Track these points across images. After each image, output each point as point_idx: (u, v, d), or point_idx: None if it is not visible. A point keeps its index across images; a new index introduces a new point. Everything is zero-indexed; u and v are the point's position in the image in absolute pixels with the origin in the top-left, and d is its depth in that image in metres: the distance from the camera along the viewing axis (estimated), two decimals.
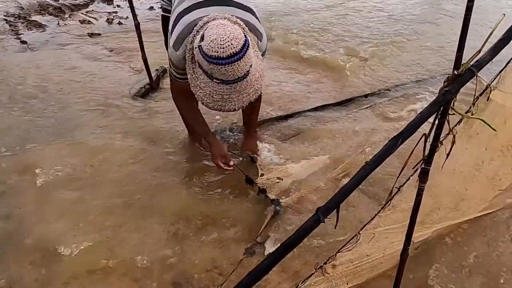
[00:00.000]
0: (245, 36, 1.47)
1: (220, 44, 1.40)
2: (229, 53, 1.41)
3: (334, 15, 4.20)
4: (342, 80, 3.10)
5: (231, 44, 1.41)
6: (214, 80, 1.48)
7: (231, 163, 1.92)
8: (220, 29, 1.42)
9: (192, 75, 1.57)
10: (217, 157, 1.92)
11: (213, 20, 1.54)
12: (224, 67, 1.42)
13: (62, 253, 1.71)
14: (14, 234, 1.81)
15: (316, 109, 2.73)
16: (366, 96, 2.90)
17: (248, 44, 1.47)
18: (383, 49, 3.54)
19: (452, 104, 1.06)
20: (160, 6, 2.17)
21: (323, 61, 3.34)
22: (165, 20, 2.10)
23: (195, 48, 1.49)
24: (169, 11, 2.01)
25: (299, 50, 3.48)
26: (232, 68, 1.43)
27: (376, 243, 1.39)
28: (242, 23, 1.58)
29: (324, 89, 2.99)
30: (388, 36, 3.77)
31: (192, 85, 1.57)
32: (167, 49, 2.12)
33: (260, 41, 1.70)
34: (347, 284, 1.42)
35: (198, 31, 1.55)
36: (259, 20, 1.75)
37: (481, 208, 1.80)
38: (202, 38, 1.45)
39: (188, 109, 1.95)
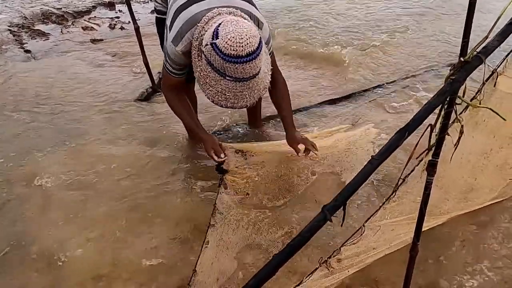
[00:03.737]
0: (258, 33, 1.45)
1: (239, 43, 1.37)
2: (247, 52, 1.38)
3: (334, 9, 4.16)
4: (345, 74, 3.07)
5: (250, 43, 1.38)
6: (226, 78, 1.44)
7: (222, 155, 1.84)
8: (237, 27, 1.38)
9: (200, 73, 1.51)
10: (210, 149, 1.84)
11: (218, 15, 1.51)
12: (242, 66, 1.40)
13: (68, 260, 1.70)
14: (20, 242, 1.81)
15: (319, 104, 2.70)
16: (371, 89, 2.86)
17: (262, 42, 1.45)
18: (386, 41, 3.50)
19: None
20: (154, 8, 2.10)
21: (325, 56, 3.31)
22: (160, 23, 2.04)
23: (206, 45, 1.43)
24: (163, 13, 1.96)
25: (301, 47, 3.44)
26: (250, 66, 1.41)
27: (383, 235, 1.36)
28: (247, 16, 1.56)
29: (327, 84, 2.97)
30: (391, 28, 3.72)
31: (201, 83, 1.52)
32: (162, 49, 2.08)
33: (261, 29, 1.66)
34: (348, 271, 1.38)
35: (203, 27, 1.51)
36: (257, 9, 1.72)
37: (490, 197, 1.75)
38: (215, 36, 1.39)
39: (180, 104, 1.89)
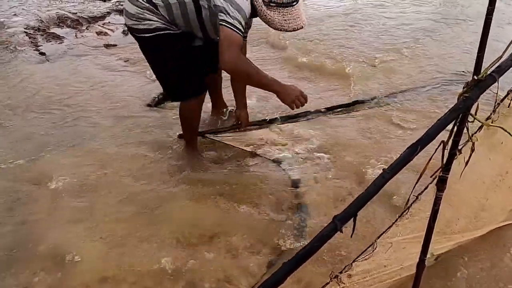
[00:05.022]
0: None
1: None
2: None
3: (347, 23, 4.20)
4: (355, 88, 3.08)
5: None
6: (293, 3, 1.87)
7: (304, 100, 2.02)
8: None
9: (277, 19, 1.87)
10: (297, 94, 1.98)
11: None
12: None
13: (74, 261, 1.71)
14: (27, 241, 1.82)
15: (324, 112, 2.72)
16: (377, 103, 2.87)
17: None
18: (396, 56, 3.52)
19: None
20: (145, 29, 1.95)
21: (335, 70, 3.32)
22: (159, 39, 1.97)
23: None
24: (163, 28, 1.94)
25: (311, 59, 3.47)
26: None
27: (394, 253, 1.34)
28: None
29: (337, 97, 2.97)
30: (401, 43, 3.74)
31: (283, 24, 1.88)
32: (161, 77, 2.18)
33: None
34: None
35: None
36: None
37: (502, 218, 1.73)
38: None
39: (251, 64, 1.94)
